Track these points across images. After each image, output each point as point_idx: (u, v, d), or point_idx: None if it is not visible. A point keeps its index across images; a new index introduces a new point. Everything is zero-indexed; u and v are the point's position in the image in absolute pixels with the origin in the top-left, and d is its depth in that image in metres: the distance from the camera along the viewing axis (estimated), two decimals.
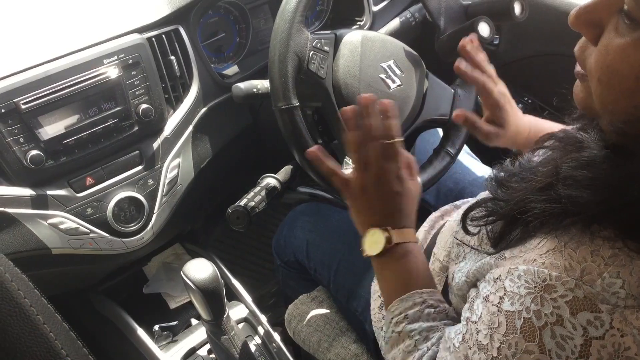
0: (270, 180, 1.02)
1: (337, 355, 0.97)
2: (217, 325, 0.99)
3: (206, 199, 1.31)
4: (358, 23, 1.28)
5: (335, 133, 0.98)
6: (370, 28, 1.27)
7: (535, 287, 0.44)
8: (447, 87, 1.10)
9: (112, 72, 0.93)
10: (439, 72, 1.10)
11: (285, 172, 1.05)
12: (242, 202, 0.96)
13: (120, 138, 0.98)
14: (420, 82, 1.05)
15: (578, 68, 0.53)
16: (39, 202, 0.93)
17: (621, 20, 0.44)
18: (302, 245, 1.10)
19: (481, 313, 0.50)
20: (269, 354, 1.13)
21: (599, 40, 0.47)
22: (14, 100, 0.85)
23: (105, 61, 0.93)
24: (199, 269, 0.95)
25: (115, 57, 0.94)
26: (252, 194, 0.98)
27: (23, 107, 0.86)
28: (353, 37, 0.98)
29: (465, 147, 1.20)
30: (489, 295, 0.50)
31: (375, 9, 1.28)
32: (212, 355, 1.14)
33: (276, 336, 1.17)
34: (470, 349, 0.51)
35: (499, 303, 0.48)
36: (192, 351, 1.16)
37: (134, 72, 0.96)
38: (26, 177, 0.91)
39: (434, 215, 0.97)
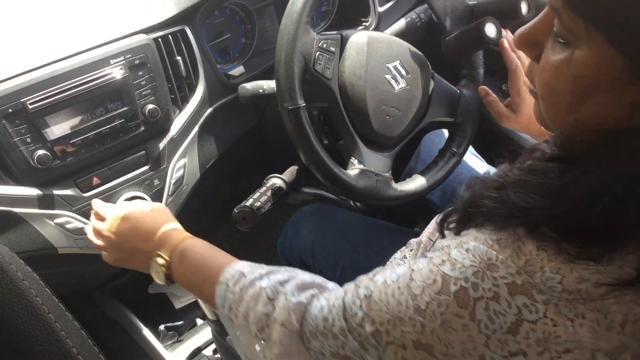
0: (276, 181, 1.02)
1: None
2: (222, 325, 0.99)
3: (212, 199, 1.31)
4: (364, 24, 1.28)
5: (341, 134, 0.98)
6: (376, 29, 1.27)
7: (480, 262, 0.46)
8: (453, 88, 1.10)
9: (118, 72, 0.94)
10: (445, 73, 1.10)
11: (290, 172, 1.05)
12: (248, 202, 0.96)
13: (126, 138, 0.98)
14: (426, 83, 1.05)
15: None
16: (46, 201, 0.93)
17: (555, 40, 0.47)
18: (307, 246, 1.10)
19: (422, 267, 0.51)
20: None
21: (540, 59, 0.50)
22: (21, 100, 0.86)
23: (111, 61, 0.93)
24: None
25: (122, 58, 0.94)
26: (258, 194, 0.98)
27: (30, 107, 0.86)
28: (359, 38, 0.98)
29: (470, 147, 1.20)
30: (433, 257, 0.51)
31: (380, 9, 1.28)
32: (218, 355, 1.14)
33: None
34: (399, 289, 0.51)
35: (439, 264, 0.49)
36: (198, 351, 1.17)
37: (141, 73, 0.96)
38: (33, 176, 0.91)
39: (439, 217, 0.97)
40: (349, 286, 0.59)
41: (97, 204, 0.89)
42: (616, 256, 0.43)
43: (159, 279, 0.76)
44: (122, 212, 0.82)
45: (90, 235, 0.86)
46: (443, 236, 0.61)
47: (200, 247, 0.75)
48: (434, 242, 0.67)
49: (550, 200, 0.45)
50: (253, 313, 0.62)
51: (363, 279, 0.58)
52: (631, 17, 0.41)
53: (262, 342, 0.61)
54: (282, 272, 0.66)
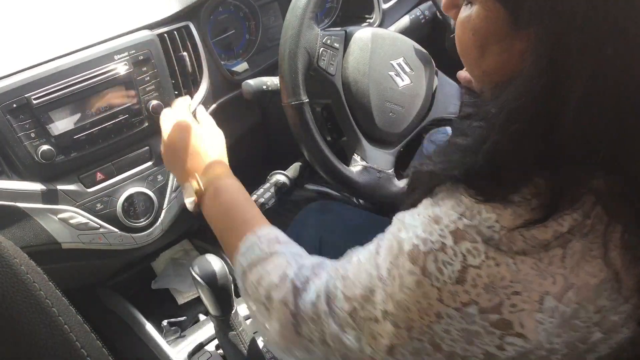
0: (279, 177, 1.02)
1: None
2: (225, 321, 0.99)
3: None
4: (368, 20, 1.28)
5: (344, 130, 0.98)
6: (380, 25, 1.27)
7: (427, 219, 0.49)
8: (457, 85, 1.10)
9: (122, 68, 0.94)
10: (449, 70, 1.10)
11: (294, 169, 1.05)
12: (252, 199, 0.96)
13: (130, 134, 0.98)
14: (430, 80, 1.05)
15: None
16: (50, 197, 0.93)
17: (465, 1, 0.53)
18: (314, 242, 1.10)
19: (384, 238, 0.55)
20: None
21: None
22: (26, 96, 0.86)
23: (116, 57, 0.93)
24: (208, 265, 0.95)
25: (126, 53, 0.94)
26: (261, 190, 0.99)
27: (34, 102, 0.87)
28: (363, 35, 0.98)
29: None
30: (391, 228, 0.55)
31: (385, 6, 1.28)
32: (220, 351, 1.14)
33: None
34: (369, 263, 0.55)
35: (396, 232, 0.52)
36: (200, 346, 1.17)
37: (145, 68, 0.96)
38: (37, 171, 0.91)
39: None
40: (331, 268, 0.62)
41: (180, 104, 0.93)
42: (522, 197, 0.45)
43: (188, 203, 0.81)
44: (194, 126, 0.86)
45: (164, 117, 0.90)
46: None
47: (236, 192, 0.78)
48: None
49: (463, 157, 0.49)
50: (265, 281, 0.64)
51: (342, 261, 0.61)
52: None
53: (265, 310, 0.63)
54: (310, 258, 0.68)
